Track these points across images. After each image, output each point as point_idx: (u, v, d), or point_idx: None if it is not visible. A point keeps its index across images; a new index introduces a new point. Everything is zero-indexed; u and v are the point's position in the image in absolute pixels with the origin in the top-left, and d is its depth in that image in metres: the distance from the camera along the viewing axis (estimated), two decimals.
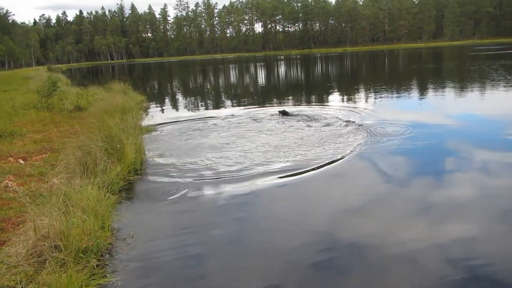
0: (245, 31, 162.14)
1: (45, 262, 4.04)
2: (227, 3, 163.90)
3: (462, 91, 18.99)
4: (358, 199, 6.46)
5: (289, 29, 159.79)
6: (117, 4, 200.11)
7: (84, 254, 4.36)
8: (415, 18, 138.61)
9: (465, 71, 29.43)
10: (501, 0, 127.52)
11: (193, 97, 23.86)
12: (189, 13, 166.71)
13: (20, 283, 3.78)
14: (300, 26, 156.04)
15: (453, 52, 66.45)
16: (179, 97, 25.00)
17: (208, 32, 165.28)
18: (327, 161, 8.08)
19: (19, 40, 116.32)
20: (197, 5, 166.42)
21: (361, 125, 11.32)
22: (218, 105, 19.30)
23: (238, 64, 71.71)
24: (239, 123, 12.98)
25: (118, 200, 6.26)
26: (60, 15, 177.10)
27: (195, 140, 10.71)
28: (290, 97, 20.86)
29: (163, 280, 4.39)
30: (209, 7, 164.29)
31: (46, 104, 16.36)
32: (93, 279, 4.09)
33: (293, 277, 4.32)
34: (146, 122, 13.76)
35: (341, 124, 11.72)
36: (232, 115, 14.73)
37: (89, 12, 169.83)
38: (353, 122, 11.87)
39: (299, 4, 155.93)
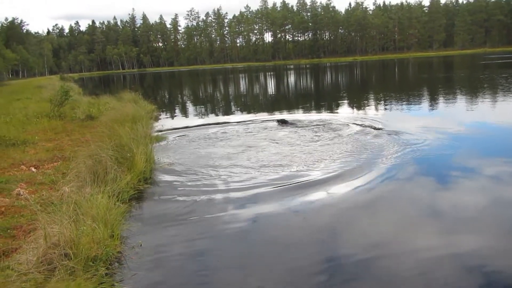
0: (255, 41, 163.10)
1: (54, 270, 4.08)
2: (237, 13, 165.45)
3: (473, 100, 18.80)
4: (378, 214, 6.41)
5: (299, 38, 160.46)
6: (129, 14, 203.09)
7: (93, 263, 4.39)
8: (425, 27, 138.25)
9: (476, 80, 29.16)
10: None
11: (202, 106, 24.02)
12: (200, 23, 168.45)
13: None
14: (310, 35, 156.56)
15: (464, 61, 66.00)
16: (189, 106, 25.17)
17: (218, 42, 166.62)
18: (340, 172, 8.00)
19: (33, 50, 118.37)
20: (207, 15, 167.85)
21: (375, 134, 11.27)
22: (227, 114, 19.38)
23: (248, 73, 72.01)
24: (248, 132, 13.02)
25: (127, 209, 6.30)
26: (73, 25, 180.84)
27: (204, 150, 10.76)
28: (300, 106, 20.87)
29: None
30: (219, 17, 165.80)
31: (58, 113, 16.61)
32: None
33: None
34: (156, 131, 13.88)
35: (353, 133, 11.67)
36: (242, 124, 14.77)
37: (101, 22, 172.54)
38: (367, 132, 11.80)
39: (308, 14, 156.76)
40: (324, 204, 6.60)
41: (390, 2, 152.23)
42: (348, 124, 13.22)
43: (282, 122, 13.68)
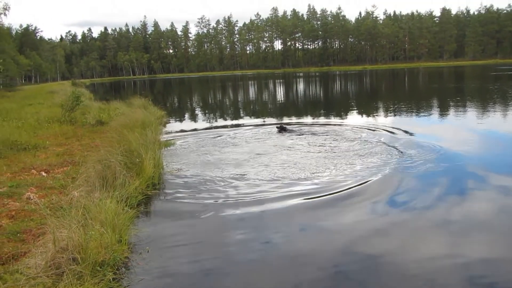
0: (265, 48, 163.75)
1: (62, 274, 4.10)
2: (247, 21, 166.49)
3: (485, 111, 18.63)
4: (390, 225, 6.35)
5: (309, 46, 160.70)
6: (141, 21, 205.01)
7: (101, 267, 4.41)
8: (436, 37, 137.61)
9: (486, 91, 28.91)
10: None
11: (212, 113, 24.11)
12: (210, 30, 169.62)
13: None
14: (320, 43, 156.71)
15: (475, 71, 65.50)
16: (198, 112, 25.29)
17: (228, 49, 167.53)
18: (351, 182, 7.92)
19: (46, 56, 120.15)
20: (218, 22, 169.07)
21: (384, 143, 11.22)
22: (236, 120, 19.40)
23: (258, 80, 72.22)
24: (257, 138, 13.04)
25: (135, 214, 6.32)
26: (86, 31, 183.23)
27: (213, 156, 10.78)
28: (308, 113, 20.85)
29: None
30: (229, 24, 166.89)
31: (69, 118, 16.80)
32: None
33: None
34: (165, 137, 13.95)
35: (361, 142, 11.61)
36: (251, 130, 14.82)
37: (113, 29, 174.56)
38: (375, 141, 11.75)
39: (318, 23, 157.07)
40: (334, 216, 6.56)
41: (400, 12, 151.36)
42: (358, 133, 13.19)
43: (282, 129, 13.73)
